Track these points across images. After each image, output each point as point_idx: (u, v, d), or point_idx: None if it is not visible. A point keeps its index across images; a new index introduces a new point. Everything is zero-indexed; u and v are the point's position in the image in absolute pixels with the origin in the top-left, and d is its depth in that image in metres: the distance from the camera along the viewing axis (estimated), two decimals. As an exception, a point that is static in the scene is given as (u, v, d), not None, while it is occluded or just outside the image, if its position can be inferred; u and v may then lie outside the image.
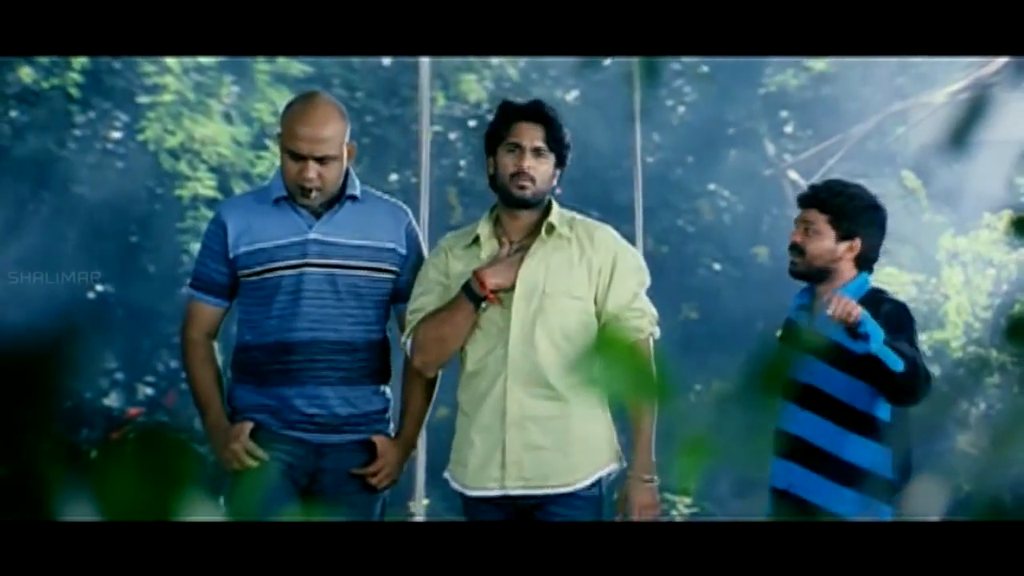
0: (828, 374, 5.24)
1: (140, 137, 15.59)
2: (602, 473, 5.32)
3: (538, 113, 5.40)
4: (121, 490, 1.09)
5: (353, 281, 5.40)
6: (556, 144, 5.36)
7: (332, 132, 5.34)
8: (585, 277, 5.34)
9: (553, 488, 5.28)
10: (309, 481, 5.33)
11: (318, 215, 5.39)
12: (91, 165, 15.86)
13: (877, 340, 5.06)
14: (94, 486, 1.11)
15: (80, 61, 15.19)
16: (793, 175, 16.95)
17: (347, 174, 5.42)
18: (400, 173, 16.71)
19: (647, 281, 5.43)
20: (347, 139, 5.39)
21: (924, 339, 14.43)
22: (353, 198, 5.42)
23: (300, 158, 5.32)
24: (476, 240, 5.42)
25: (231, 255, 5.41)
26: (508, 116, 5.42)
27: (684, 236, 17.07)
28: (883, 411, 5.23)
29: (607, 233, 5.46)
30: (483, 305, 5.31)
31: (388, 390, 5.52)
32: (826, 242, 5.38)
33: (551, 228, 5.35)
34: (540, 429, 5.28)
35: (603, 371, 1.30)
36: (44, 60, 15.08)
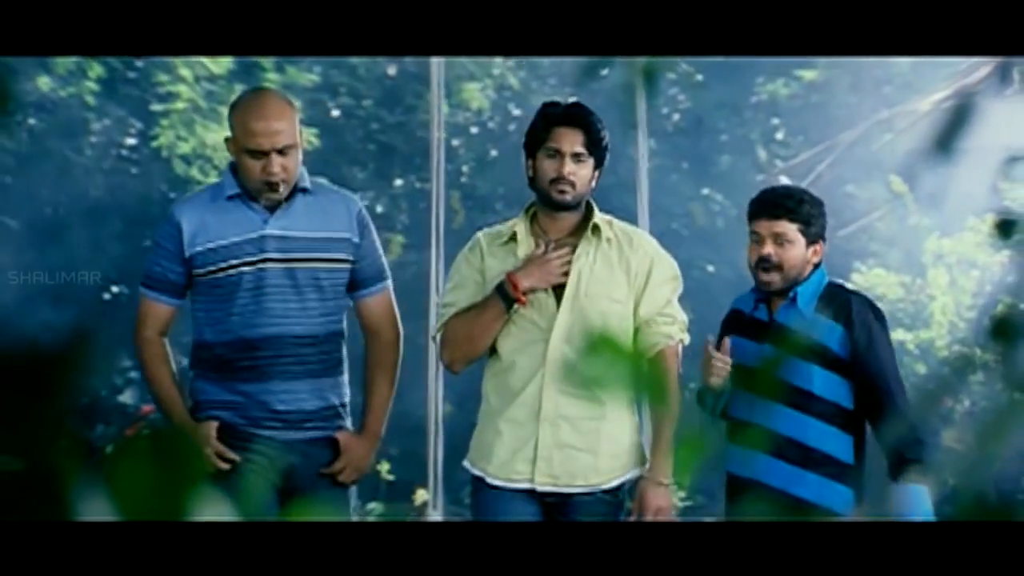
0: (792, 365, 5.17)
1: (154, 143, 15.59)
2: (627, 477, 5.24)
3: (578, 118, 5.28)
4: (135, 484, 1.09)
5: (312, 273, 5.25)
6: (595, 147, 5.26)
7: (287, 122, 5.18)
8: (624, 280, 5.27)
9: (580, 487, 5.19)
10: (283, 480, 5.14)
11: (271, 210, 5.24)
12: (107, 170, 15.86)
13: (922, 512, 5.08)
14: (109, 480, 1.11)
15: (96, 71, 15.18)
16: (784, 180, 16.94)
17: None
18: (404, 178, 16.70)
19: (680, 289, 5.39)
20: (299, 127, 5.25)
21: (910, 338, 14.43)
22: (304, 190, 5.26)
23: (261, 154, 5.15)
24: (513, 237, 5.31)
25: (187, 254, 5.24)
26: (548, 120, 5.30)
27: (679, 239, 17.06)
28: (845, 400, 5.21)
29: (645, 237, 5.41)
30: (514, 307, 5.21)
31: (346, 381, 5.36)
32: (799, 250, 5.28)
33: (597, 229, 5.28)
34: (573, 428, 5.19)
35: (602, 373, 1.29)
36: (61, 70, 15.07)
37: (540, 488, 5.18)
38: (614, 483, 5.22)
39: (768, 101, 17.75)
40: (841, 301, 5.25)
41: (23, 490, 1.11)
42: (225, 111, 16.92)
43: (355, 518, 5.57)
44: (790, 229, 5.26)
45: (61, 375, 1.12)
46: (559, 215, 5.28)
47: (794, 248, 5.26)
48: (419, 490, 13.14)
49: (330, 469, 5.24)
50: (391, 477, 14.31)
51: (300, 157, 5.22)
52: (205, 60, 15.20)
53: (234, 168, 5.28)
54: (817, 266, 5.32)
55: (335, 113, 16.57)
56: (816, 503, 5.14)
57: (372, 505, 14.60)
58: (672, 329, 5.28)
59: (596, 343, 1.26)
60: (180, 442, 1.11)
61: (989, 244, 14.12)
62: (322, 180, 5.43)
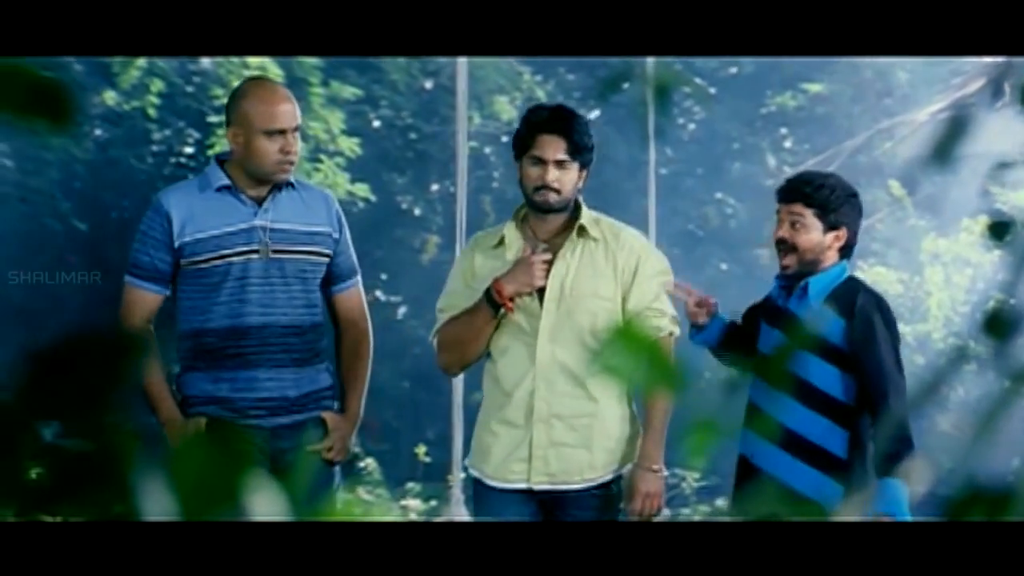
0: (796, 355, 4.91)
1: (210, 152, 15.62)
2: (623, 470, 4.97)
3: (560, 124, 4.96)
4: (191, 466, 1.09)
5: (298, 265, 5.06)
6: (579, 152, 4.95)
7: (293, 104, 5.05)
8: (611, 277, 4.95)
9: (576, 484, 4.93)
10: (271, 463, 4.92)
11: (260, 202, 5.04)
12: (166, 177, 15.90)
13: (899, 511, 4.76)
14: (167, 461, 1.12)
15: (158, 86, 15.22)
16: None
17: None
18: (440, 183, 16.71)
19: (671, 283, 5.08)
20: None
21: (909, 331, 14.38)
22: (289, 185, 5.08)
23: (279, 133, 4.98)
24: (501, 241, 5.03)
25: (176, 244, 5.03)
26: (532, 128, 4.99)
27: (694, 239, 17.04)
28: (842, 394, 4.91)
29: (632, 234, 5.08)
30: (501, 311, 4.93)
31: (330, 368, 5.18)
32: (814, 235, 4.93)
33: (583, 230, 4.97)
34: (566, 427, 4.91)
35: (622, 361, 1.29)
36: (125, 85, 15.11)
37: (537, 487, 4.92)
38: (609, 477, 4.95)
39: (777, 112, 17.71)
40: (849, 296, 4.94)
41: (91, 469, 1.11)
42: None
43: (340, 496, 5.37)
44: (805, 212, 4.93)
45: (124, 365, 1.12)
46: (547, 217, 4.98)
47: (808, 232, 4.94)
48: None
49: (320, 446, 5.05)
50: (428, 459, 14.33)
51: None
52: (256, 73, 15.22)
53: (220, 161, 5.12)
54: (842, 255, 4.99)
55: (376, 124, 16.58)
56: (805, 494, 4.84)
57: (410, 485, 14.61)
58: (661, 322, 4.95)
59: (616, 335, 1.25)
60: (231, 426, 1.11)
61: (982, 244, 14.06)
62: (300, 177, 5.35)
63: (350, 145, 15.33)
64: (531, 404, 4.92)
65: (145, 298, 5.08)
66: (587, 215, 5.00)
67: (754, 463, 4.96)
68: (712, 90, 17.31)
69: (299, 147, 5.05)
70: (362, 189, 15.32)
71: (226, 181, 5.05)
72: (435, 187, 16.72)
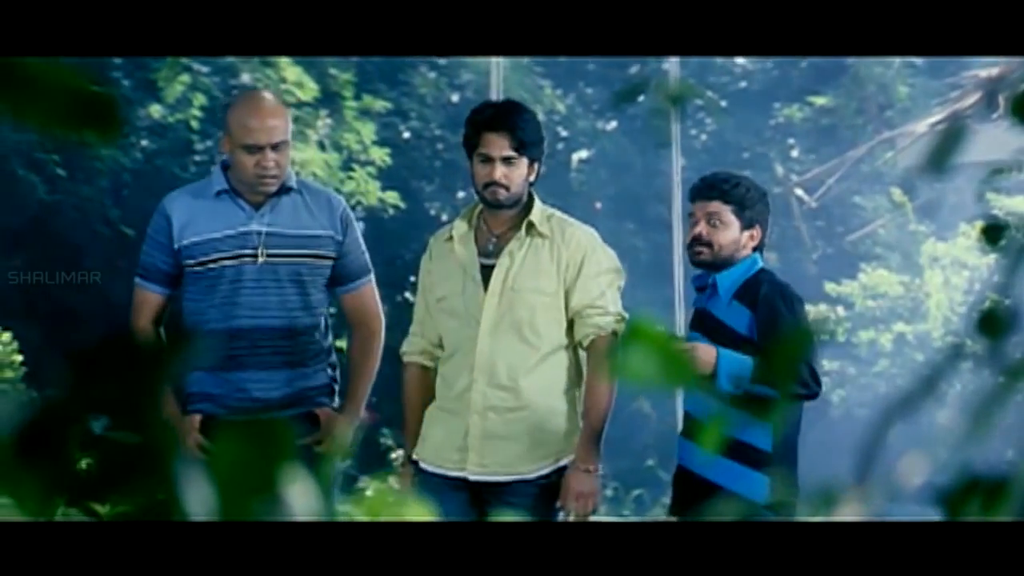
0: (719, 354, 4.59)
1: (249, 162, 15.65)
2: (560, 463, 4.69)
3: (504, 121, 4.71)
4: (229, 460, 1.10)
5: (293, 268, 4.87)
6: (526, 147, 4.69)
7: (281, 120, 4.81)
8: (554, 273, 4.68)
9: (511, 476, 4.68)
10: None
11: (257, 206, 4.88)
12: (209, 185, 15.95)
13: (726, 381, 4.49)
14: (208, 455, 1.12)
15: (200, 100, 15.25)
16: (799, 192, 16.86)
17: None
18: (466, 191, 16.72)
19: (620, 282, 4.76)
20: (290, 126, 4.91)
21: (909, 331, 14.34)
22: (290, 190, 4.90)
23: (257, 149, 4.78)
24: (452, 236, 4.81)
25: (176, 246, 4.87)
26: (476, 126, 4.76)
27: (706, 244, 17.04)
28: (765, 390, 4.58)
29: (581, 231, 4.76)
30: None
31: (331, 367, 4.99)
32: (732, 232, 4.71)
33: (531, 226, 4.71)
34: (501, 419, 4.67)
35: (637, 362, 1.28)
36: (171, 99, 15.15)
37: (472, 477, 4.69)
38: (544, 471, 4.68)
39: (784, 123, 17.69)
40: (755, 288, 4.67)
41: (137, 460, 1.12)
42: (310, 133, 16.82)
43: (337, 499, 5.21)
44: (722, 209, 4.72)
45: (168, 363, 1.13)
46: (499, 212, 4.74)
47: (727, 230, 4.71)
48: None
49: (309, 440, 4.84)
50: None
51: (290, 155, 4.91)
52: (292, 88, 15.25)
53: (224, 166, 4.97)
54: (753, 252, 4.75)
55: (406, 135, 16.60)
56: (731, 490, 4.57)
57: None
58: (603, 320, 4.65)
59: (631, 333, 1.25)
60: (272, 425, 1.11)
61: (978, 248, 14.01)
62: (309, 180, 5.18)
63: (381, 155, 15.34)
64: (469, 396, 4.70)
65: (149, 298, 4.96)
66: (538, 212, 4.75)
67: (683, 467, 4.73)
68: (723, 103, 17.29)
69: (286, 161, 4.86)
70: (392, 196, 15.34)
71: (224, 185, 4.91)
72: (461, 194, 16.72)
